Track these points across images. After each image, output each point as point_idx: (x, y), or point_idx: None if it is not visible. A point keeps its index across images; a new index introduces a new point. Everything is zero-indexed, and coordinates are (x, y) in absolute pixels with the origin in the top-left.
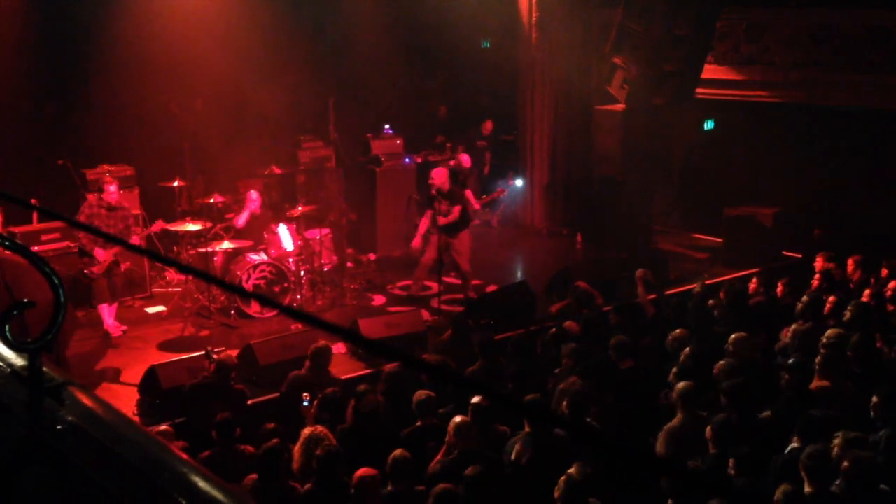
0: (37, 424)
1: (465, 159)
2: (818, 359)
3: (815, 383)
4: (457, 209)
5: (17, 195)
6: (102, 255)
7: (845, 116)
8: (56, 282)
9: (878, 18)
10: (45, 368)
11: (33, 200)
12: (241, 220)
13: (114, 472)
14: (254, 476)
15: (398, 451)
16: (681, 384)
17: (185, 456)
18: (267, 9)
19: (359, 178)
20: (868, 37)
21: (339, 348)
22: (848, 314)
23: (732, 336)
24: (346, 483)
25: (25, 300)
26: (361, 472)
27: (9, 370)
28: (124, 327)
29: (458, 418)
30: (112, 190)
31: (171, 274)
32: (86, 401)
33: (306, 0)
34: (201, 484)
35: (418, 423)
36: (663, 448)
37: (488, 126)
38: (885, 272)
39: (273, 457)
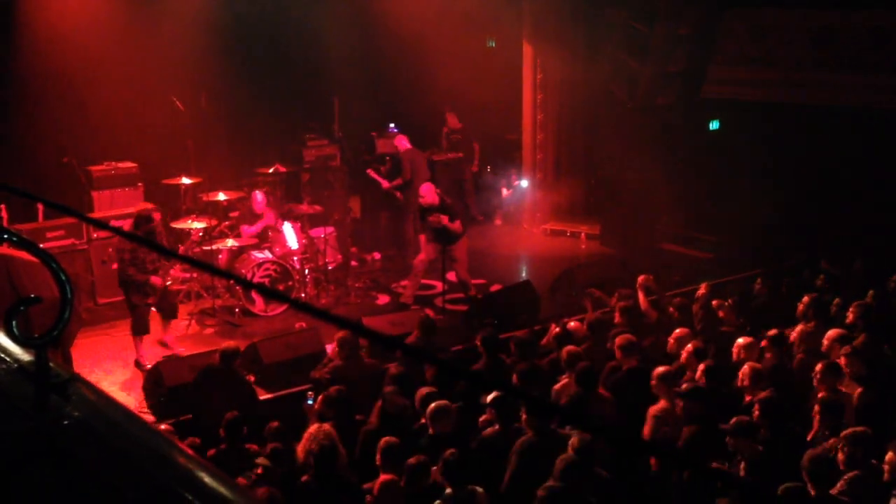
0: (43, 419)
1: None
2: (819, 366)
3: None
4: (458, 222)
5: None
6: (160, 281)
7: (849, 117)
8: (63, 278)
9: (880, 20)
10: (51, 364)
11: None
12: (253, 230)
13: (119, 468)
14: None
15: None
16: (660, 368)
17: (191, 452)
18: (272, 6)
19: (363, 176)
20: (870, 38)
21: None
22: (851, 315)
23: (741, 340)
24: (344, 477)
25: (32, 296)
26: (383, 478)
27: (15, 365)
28: (182, 348)
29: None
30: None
31: (176, 272)
32: (92, 397)
33: None
34: (207, 480)
35: (423, 421)
36: (650, 432)
37: (452, 119)
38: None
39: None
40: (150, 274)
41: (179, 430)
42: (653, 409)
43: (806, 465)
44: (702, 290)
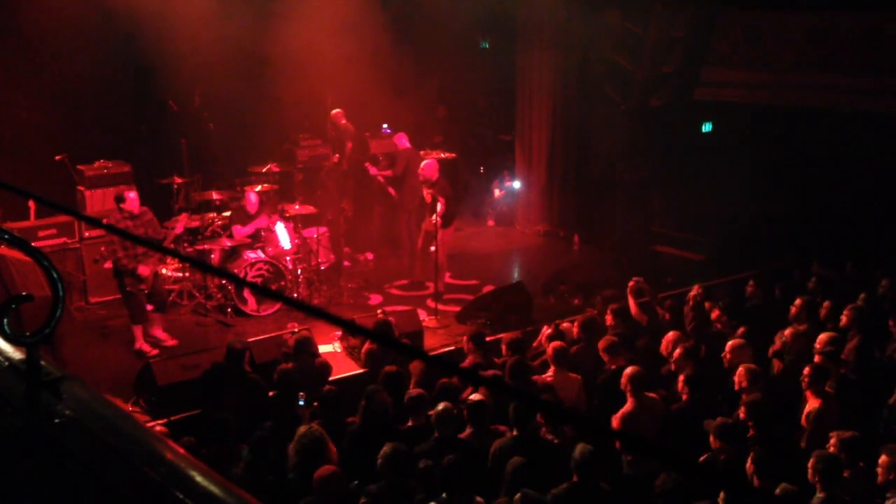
0: (34, 417)
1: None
2: (807, 370)
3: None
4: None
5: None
6: (146, 270)
7: (842, 119)
8: (55, 276)
9: (874, 21)
10: (42, 362)
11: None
12: (246, 231)
13: (110, 465)
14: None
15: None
16: (629, 369)
17: (181, 450)
18: (264, 6)
19: (357, 176)
20: (865, 39)
21: (335, 346)
22: (845, 318)
23: (729, 343)
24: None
25: (24, 293)
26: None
27: (7, 364)
28: (174, 342)
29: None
30: (132, 197)
31: (168, 271)
32: (83, 395)
33: None
34: (198, 478)
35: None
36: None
37: (338, 115)
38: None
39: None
40: (138, 263)
41: (171, 429)
42: (621, 412)
43: (815, 465)
44: (694, 291)
